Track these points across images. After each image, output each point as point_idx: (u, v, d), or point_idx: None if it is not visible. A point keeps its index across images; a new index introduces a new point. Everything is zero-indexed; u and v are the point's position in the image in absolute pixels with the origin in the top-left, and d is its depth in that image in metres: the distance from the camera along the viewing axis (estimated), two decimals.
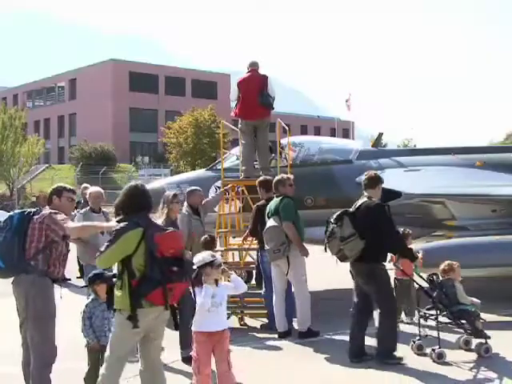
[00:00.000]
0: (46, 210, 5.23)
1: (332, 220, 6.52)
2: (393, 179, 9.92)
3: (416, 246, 8.42)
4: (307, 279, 7.66)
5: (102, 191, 8.34)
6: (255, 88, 9.52)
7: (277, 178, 7.91)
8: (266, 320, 8.18)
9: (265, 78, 9.63)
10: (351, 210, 6.58)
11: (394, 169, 10.40)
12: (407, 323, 7.87)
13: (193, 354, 5.27)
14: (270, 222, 7.52)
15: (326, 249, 6.66)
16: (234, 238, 9.80)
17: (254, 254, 9.41)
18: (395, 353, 6.40)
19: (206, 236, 7.59)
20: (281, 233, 7.40)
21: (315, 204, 9.95)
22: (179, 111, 51.99)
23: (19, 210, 5.48)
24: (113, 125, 60.81)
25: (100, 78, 61.90)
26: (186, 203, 8.63)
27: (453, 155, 10.76)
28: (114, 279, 4.85)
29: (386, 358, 6.35)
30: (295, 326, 7.75)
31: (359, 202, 6.60)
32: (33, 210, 5.39)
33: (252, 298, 8.44)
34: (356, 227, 6.35)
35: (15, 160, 40.07)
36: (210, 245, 7.23)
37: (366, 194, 6.66)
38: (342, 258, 6.56)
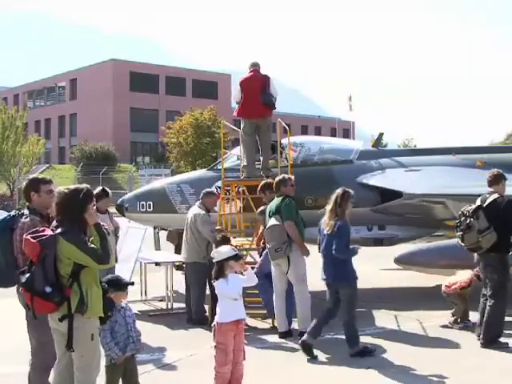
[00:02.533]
0: (23, 220, 4.96)
1: (468, 214, 6.95)
2: (393, 179, 9.93)
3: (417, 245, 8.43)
4: (307, 279, 7.66)
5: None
6: (257, 87, 9.56)
7: (278, 178, 7.90)
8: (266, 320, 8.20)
9: (267, 77, 9.69)
10: (484, 204, 6.96)
11: (395, 169, 10.40)
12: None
13: (218, 345, 5.30)
14: (272, 221, 7.52)
15: (462, 240, 7.01)
16: (235, 238, 9.79)
17: (254, 253, 9.43)
18: (500, 339, 6.83)
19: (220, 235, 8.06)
20: (282, 232, 7.40)
21: (316, 204, 9.94)
22: (180, 111, 51.99)
23: (1, 217, 5.22)
24: (113, 125, 60.84)
25: (100, 78, 61.93)
26: (198, 202, 8.74)
27: (453, 155, 10.76)
28: (130, 286, 5.07)
29: (492, 344, 6.78)
30: (295, 326, 7.74)
31: (491, 198, 6.98)
32: (16, 212, 5.15)
33: (252, 297, 8.44)
34: (489, 220, 6.80)
35: (16, 160, 40.03)
36: (226, 242, 7.35)
37: (491, 190, 7.11)
38: (477, 249, 6.98)
